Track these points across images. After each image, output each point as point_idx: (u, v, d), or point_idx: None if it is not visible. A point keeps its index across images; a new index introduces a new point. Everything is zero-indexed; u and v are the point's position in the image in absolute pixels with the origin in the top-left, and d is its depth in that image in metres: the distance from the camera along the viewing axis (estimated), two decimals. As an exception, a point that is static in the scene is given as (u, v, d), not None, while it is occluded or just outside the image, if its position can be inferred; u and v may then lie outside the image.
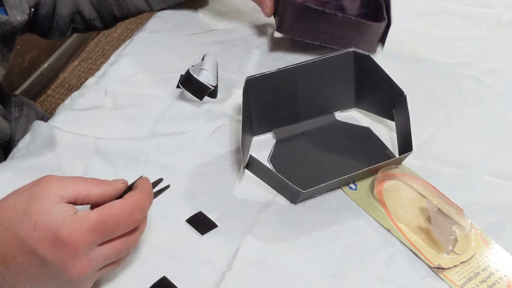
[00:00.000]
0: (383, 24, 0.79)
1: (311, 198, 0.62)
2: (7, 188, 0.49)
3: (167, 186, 0.58)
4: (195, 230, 0.58)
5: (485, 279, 0.55)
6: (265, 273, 0.55)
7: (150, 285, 0.53)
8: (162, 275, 0.54)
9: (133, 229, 0.49)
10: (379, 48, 0.81)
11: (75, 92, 0.76)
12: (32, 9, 0.76)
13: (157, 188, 0.60)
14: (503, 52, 0.83)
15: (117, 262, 0.51)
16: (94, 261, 0.47)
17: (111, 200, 0.49)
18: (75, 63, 1.94)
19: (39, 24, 0.84)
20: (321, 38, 0.77)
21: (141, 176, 0.53)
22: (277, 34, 0.86)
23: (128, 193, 0.50)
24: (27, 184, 0.48)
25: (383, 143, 0.68)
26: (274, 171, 0.63)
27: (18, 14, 0.69)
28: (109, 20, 0.90)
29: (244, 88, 0.64)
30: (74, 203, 0.48)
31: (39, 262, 0.45)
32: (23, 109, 0.83)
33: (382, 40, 0.80)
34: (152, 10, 0.89)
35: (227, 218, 0.60)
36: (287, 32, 0.78)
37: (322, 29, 0.76)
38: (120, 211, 0.47)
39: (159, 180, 0.57)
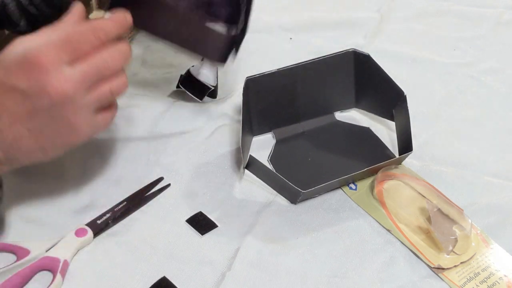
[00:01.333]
0: (230, 31, 0.60)
1: (311, 198, 0.62)
2: (7, 188, 0.49)
3: (168, 185, 0.58)
4: (195, 230, 0.58)
5: (485, 279, 0.55)
6: (265, 273, 0.55)
7: (150, 285, 0.53)
8: (162, 275, 0.54)
9: (107, 47, 0.49)
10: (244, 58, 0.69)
11: (75, 92, 0.76)
12: None
13: (157, 187, 0.61)
14: (503, 52, 0.83)
15: (112, 107, 0.52)
16: (71, 77, 0.47)
17: None
18: (75, 63, 1.94)
19: None
20: (160, 32, 0.60)
21: None
22: (277, 34, 0.86)
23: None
24: None
25: (383, 143, 0.68)
26: (274, 171, 0.63)
27: None
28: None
29: (244, 88, 0.64)
30: None
31: (20, 96, 0.46)
32: None
33: (236, 48, 0.63)
34: None
35: (227, 218, 0.60)
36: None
37: (160, 21, 0.59)
38: (82, 28, 0.49)
39: (160, 179, 0.58)
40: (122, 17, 0.52)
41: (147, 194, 0.60)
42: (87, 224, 0.57)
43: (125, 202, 0.59)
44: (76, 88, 0.47)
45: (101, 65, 0.49)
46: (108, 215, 0.58)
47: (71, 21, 0.50)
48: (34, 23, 0.73)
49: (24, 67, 0.46)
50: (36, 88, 0.46)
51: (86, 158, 0.64)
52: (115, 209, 0.58)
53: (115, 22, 0.51)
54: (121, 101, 0.74)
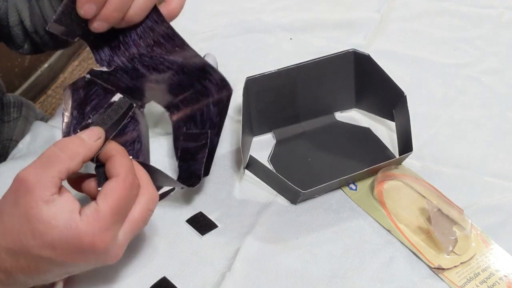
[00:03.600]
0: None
1: (311, 198, 0.62)
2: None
3: (172, 189, 0.58)
4: (195, 231, 0.58)
5: (485, 279, 0.55)
6: (265, 274, 0.55)
7: (150, 285, 0.53)
8: (162, 276, 0.54)
9: (138, 191, 0.48)
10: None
11: (75, 92, 0.76)
12: None
13: (162, 191, 0.60)
14: (503, 52, 0.83)
15: (147, 223, 0.50)
16: (124, 241, 0.48)
17: (89, 160, 0.48)
18: (75, 63, 1.94)
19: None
20: None
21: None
22: (277, 34, 0.86)
23: (110, 159, 0.48)
24: (6, 197, 0.46)
25: (383, 143, 0.68)
26: (274, 171, 0.63)
27: None
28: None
29: (244, 88, 0.64)
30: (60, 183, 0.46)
31: (73, 266, 0.47)
32: (22, 110, 0.83)
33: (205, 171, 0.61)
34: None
35: (227, 218, 0.60)
36: None
37: None
38: (122, 188, 0.46)
39: None
40: (120, 152, 0.50)
41: None
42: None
43: None
44: (126, 245, 0.48)
45: (144, 214, 0.49)
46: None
47: (117, 185, 0.47)
48: (38, 48, 0.73)
49: (79, 251, 0.45)
50: (94, 263, 0.47)
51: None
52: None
53: (123, 154, 0.49)
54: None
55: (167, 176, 0.55)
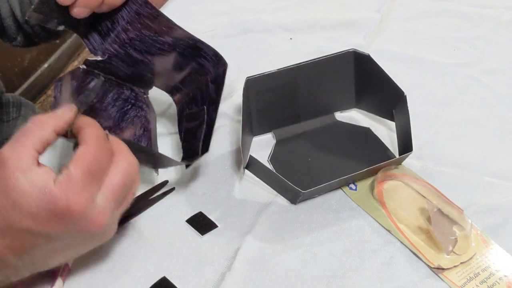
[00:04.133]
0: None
1: (311, 198, 0.62)
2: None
3: (172, 189, 0.58)
4: (195, 230, 0.58)
5: (485, 279, 0.55)
6: (265, 274, 0.55)
7: (150, 285, 0.53)
8: (162, 276, 0.54)
9: (112, 158, 0.48)
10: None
11: (75, 92, 0.76)
12: None
13: (162, 191, 0.60)
14: (503, 52, 0.83)
15: (131, 191, 0.50)
16: (105, 207, 0.47)
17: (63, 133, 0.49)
18: (75, 63, 1.94)
19: None
20: None
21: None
22: (277, 34, 0.86)
23: (81, 130, 0.49)
24: None
25: (383, 143, 0.68)
26: (274, 171, 0.63)
27: None
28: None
29: (244, 88, 0.64)
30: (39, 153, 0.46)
31: (55, 238, 0.46)
32: (21, 110, 0.83)
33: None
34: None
35: (227, 218, 0.60)
36: None
37: None
38: (91, 152, 0.47)
39: (164, 182, 0.57)
40: (89, 123, 0.50)
41: (151, 197, 0.60)
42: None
43: (129, 206, 0.58)
44: (111, 213, 0.48)
45: (123, 175, 0.48)
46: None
47: (87, 148, 0.47)
48: (31, 40, 0.73)
49: (56, 217, 0.45)
50: (75, 229, 0.46)
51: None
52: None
53: (92, 124, 0.50)
54: (121, 101, 0.74)
55: (166, 157, 0.56)
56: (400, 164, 0.64)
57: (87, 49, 0.60)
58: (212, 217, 0.59)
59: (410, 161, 0.64)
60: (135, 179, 0.50)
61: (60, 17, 0.54)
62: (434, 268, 0.55)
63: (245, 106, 0.64)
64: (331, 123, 0.71)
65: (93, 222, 0.46)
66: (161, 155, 0.56)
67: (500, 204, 0.61)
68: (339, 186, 0.63)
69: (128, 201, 0.50)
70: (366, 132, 0.70)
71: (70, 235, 0.47)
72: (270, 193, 0.62)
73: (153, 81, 0.65)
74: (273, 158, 0.66)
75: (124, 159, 0.49)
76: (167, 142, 0.68)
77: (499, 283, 0.54)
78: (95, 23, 0.57)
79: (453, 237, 0.56)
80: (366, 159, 0.65)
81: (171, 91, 0.66)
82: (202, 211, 0.60)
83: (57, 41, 1.85)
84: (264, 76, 0.66)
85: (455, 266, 0.55)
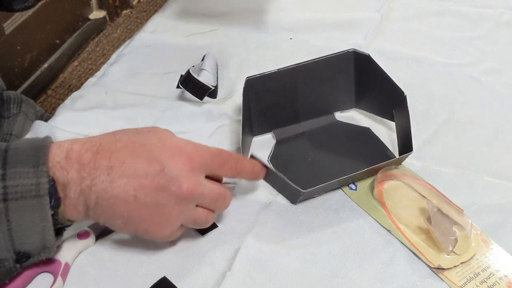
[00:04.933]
0: None
1: (311, 198, 0.62)
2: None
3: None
4: (195, 230, 0.58)
5: (485, 279, 0.55)
6: (265, 273, 0.55)
7: (150, 285, 0.53)
8: (162, 275, 0.54)
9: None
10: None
11: (75, 92, 0.76)
12: None
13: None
14: (503, 52, 0.83)
15: (216, 208, 0.55)
16: (199, 189, 0.51)
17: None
18: (75, 63, 1.94)
19: None
20: None
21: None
22: (277, 34, 0.86)
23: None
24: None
25: (383, 143, 0.68)
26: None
27: None
28: None
29: (244, 88, 0.64)
30: None
31: (157, 169, 0.49)
32: (21, 106, 0.84)
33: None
34: None
35: (227, 218, 0.60)
36: None
37: None
38: (230, 155, 0.54)
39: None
40: (259, 170, 0.58)
41: None
42: (90, 227, 0.57)
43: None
44: (199, 197, 0.52)
45: (219, 198, 0.54)
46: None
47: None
48: None
49: (177, 152, 0.50)
50: (176, 172, 0.50)
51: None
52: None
53: (253, 169, 0.58)
54: (121, 101, 0.74)
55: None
56: (400, 164, 0.64)
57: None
58: (212, 217, 0.59)
59: (410, 161, 0.65)
60: (226, 205, 0.56)
61: None
62: (434, 268, 0.55)
63: (245, 106, 0.64)
64: (331, 123, 0.71)
65: (189, 182, 0.50)
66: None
67: (500, 204, 0.61)
68: (339, 186, 0.63)
69: (205, 214, 0.54)
70: (366, 132, 0.70)
71: (165, 182, 0.49)
72: (270, 193, 0.62)
73: None
74: (273, 158, 0.66)
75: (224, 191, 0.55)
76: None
77: (499, 283, 0.54)
78: None
79: (453, 237, 0.56)
80: (366, 159, 0.65)
81: None
82: (202, 211, 0.60)
83: (57, 41, 1.85)
84: (264, 76, 0.66)
85: (455, 266, 0.55)
